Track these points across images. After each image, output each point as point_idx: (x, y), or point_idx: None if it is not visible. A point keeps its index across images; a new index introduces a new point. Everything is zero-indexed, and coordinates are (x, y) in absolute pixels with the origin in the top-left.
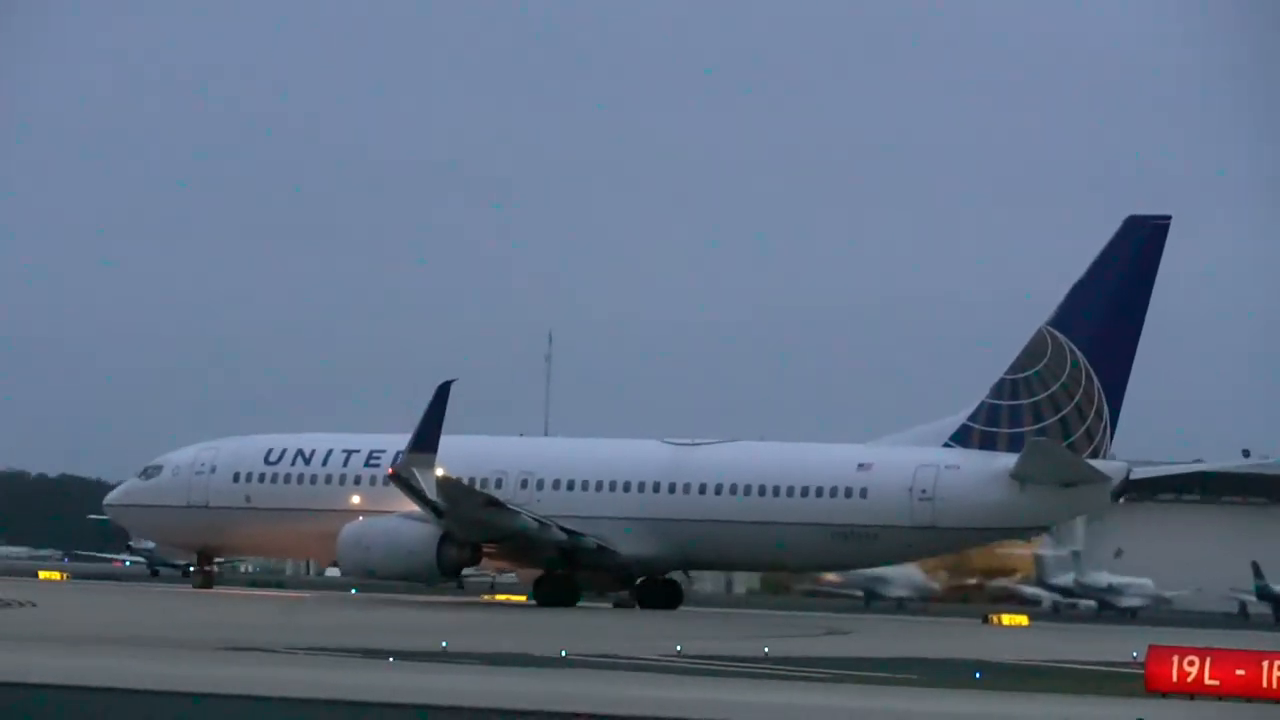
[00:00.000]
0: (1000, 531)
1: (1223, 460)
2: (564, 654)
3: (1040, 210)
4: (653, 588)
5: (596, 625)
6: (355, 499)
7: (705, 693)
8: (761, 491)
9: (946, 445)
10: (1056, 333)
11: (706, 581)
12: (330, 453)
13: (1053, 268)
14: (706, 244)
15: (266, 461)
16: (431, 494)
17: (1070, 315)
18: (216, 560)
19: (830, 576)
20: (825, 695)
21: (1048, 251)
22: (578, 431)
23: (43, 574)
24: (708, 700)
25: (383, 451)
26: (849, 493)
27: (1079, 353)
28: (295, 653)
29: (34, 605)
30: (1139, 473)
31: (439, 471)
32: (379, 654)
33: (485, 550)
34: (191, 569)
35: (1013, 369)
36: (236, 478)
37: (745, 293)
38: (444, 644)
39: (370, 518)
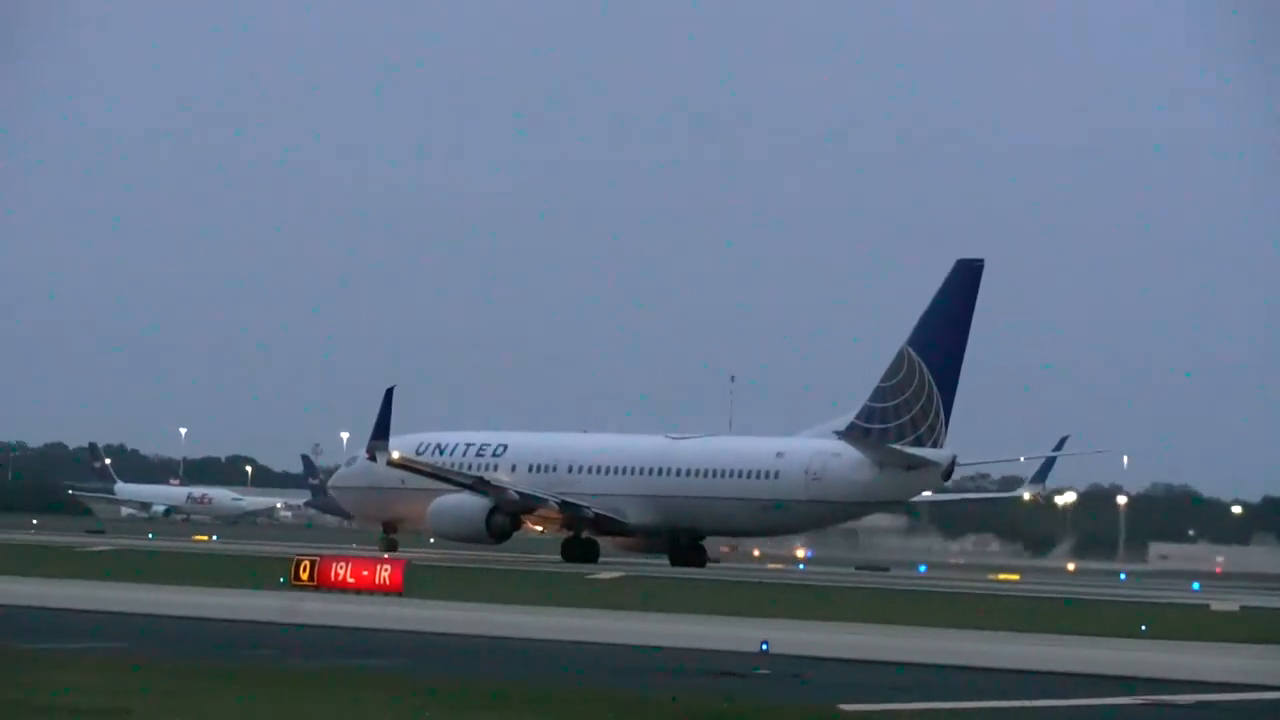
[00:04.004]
0: (868, 505)
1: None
2: None
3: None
4: (683, 550)
5: None
6: None
7: None
8: (712, 474)
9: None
10: (911, 350)
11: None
12: (457, 446)
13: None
14: None
15: (416, 453)
16: (383, 467)
17: (919, 336)
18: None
19: None
20: None
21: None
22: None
23: None
24: None
25: (488, 445)
26: (767, 475)
27: (924, 366)
28: None
29: None
30: (965, 459)
31: (394, 454)
32: None
33: (526, 519)
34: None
35: (884, 378)
36: None
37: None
38: None
39: (450, 494)
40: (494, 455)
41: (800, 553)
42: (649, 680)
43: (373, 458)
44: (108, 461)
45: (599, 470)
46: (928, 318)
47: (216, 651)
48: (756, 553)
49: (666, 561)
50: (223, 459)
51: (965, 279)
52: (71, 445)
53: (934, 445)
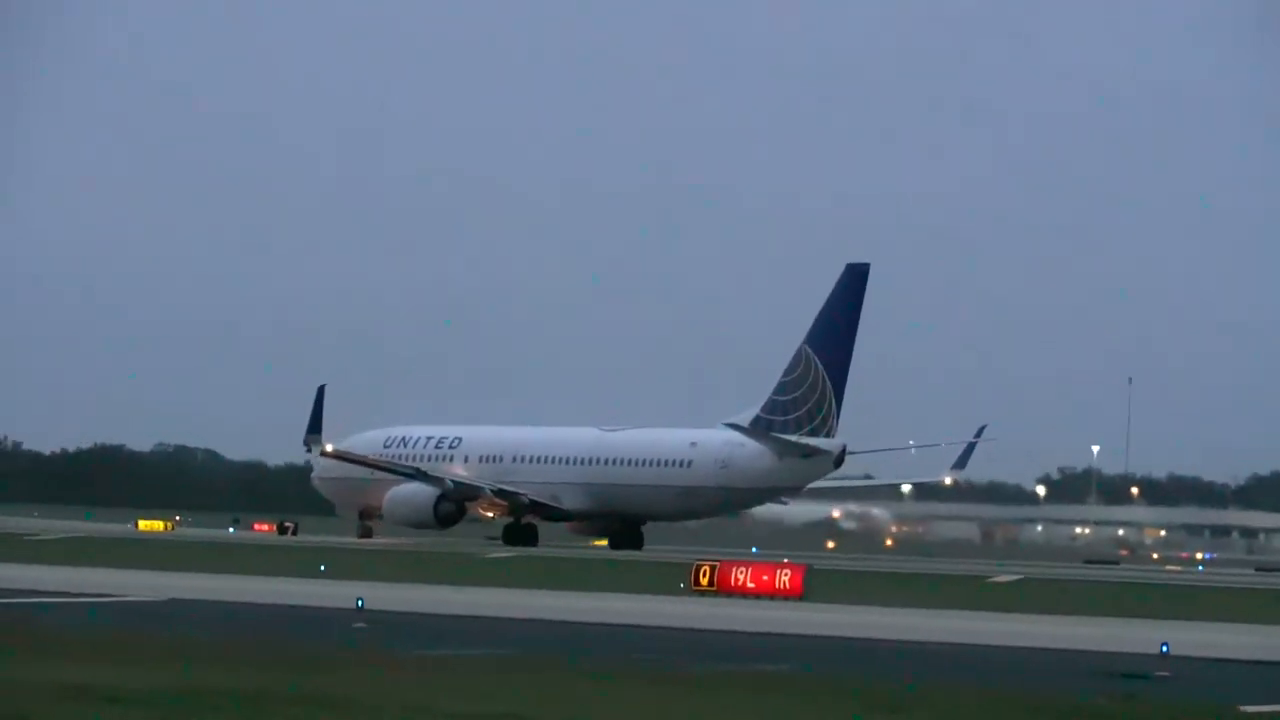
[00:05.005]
0: (770, 491)
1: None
2: None
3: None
4: (623, 533)
5: None
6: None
7: None
8: (635, 463)
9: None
10: (808, 348)
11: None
12: (419, 439)
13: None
14: None
15: (384, 446)
16: (316, 460)
17: (815, 334)
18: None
19: None
20: None
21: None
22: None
23: None
24: None
25: (446, 438)
26: (682, 464)
27: (818, 362)
28: None
29: None
30: (855, 448)
31: (328, 447)
32: None
33: (471, 506)
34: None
35: (785, 373)
36: None
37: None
38: None
39: (405, 484)
40: (450, 447)
41: (1199, 555)
42: (1051, 682)
43: (309, 450)
44: None
45: (539, 460)
46: (821, 317)
47: (615, 655)
48: (1155, 556)
49: (606, 545)
50: None
51: (853, 282)
52: None
53: (827, 435)
